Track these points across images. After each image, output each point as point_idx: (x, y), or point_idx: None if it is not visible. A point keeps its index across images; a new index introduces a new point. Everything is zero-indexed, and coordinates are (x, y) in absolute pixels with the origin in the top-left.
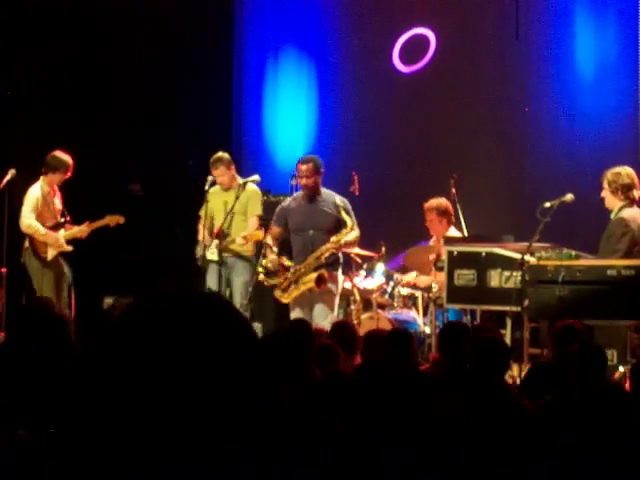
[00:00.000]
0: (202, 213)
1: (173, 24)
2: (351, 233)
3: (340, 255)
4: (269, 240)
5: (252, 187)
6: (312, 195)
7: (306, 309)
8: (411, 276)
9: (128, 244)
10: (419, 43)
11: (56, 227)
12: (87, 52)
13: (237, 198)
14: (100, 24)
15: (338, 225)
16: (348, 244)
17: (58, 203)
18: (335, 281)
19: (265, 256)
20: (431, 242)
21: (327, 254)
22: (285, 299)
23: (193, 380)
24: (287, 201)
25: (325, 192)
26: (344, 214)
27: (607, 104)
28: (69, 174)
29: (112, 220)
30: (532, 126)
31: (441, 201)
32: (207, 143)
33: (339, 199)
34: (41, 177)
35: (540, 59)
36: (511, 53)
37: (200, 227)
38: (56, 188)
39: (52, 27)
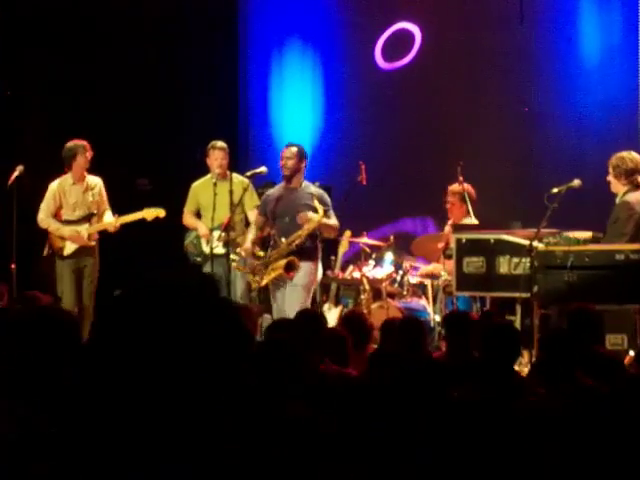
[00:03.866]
0: (190, 208)
1: (178, 18)
2: (332, 219)
3: (317, 245)
4: (252, 228)
5: (241, 178)
6: (290, 179)
7: (278, 296)
8: (429, 267)
9: (136, 238)
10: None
11: (80, 221)
12: (93, 48)
13: (231, 192)
14: (105, 20)
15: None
16: (324, 227)
17: (91, 195)
18: (307, 271)
19: (232, 241)
20: (447, 227)
21: (298, 240)
22: (255, 284)
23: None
24: (271, 190)
25: (305, 183)
26: (316, 202)
27: (612, 88)
28: (89, 154)
29: (150, 214)
30: (538, 112)
31: (466, 187)
32: (214, 136)
33: (315, 189)
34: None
35: (545, 44)
36: (516, 38)
37: (193, 221)
38: (91, 182)
39: (57, 22)
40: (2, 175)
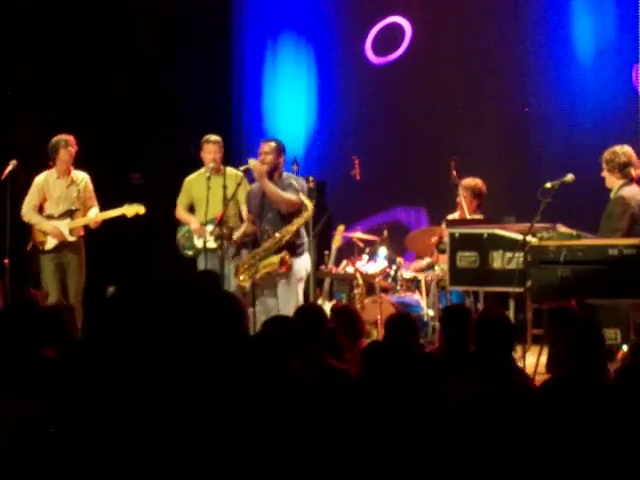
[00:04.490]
0: (184, 202)
1: (171, 11)
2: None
3: (305, 239)
4: (247, 225)
5: (235, 172)
6: (271, 174)
7: (269, 292)
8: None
9: (129, 232)
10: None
11: (62, 216)
12: (87, 43)
13: (225, 187)
14: (99, 14)
15: (298, 207)
16: (275, 195)
17: (75, 190)
18: (297, 267)
19: (224, 235)
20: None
21: (288, 236)
22: (244, 282)
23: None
24: (253, 186)
25: (285, 175)
26: (293, 181)
27: (606, 85)
28: (72, 148)
29: (130, 210)
30: (532, 108)
31: (478, 182)
32: (207, 131)
33: (294, 179)
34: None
35: (539, 41)
36: (510, 35)
37: (186, 215)
38: (76, 177)
39: (52, 18)
40: None
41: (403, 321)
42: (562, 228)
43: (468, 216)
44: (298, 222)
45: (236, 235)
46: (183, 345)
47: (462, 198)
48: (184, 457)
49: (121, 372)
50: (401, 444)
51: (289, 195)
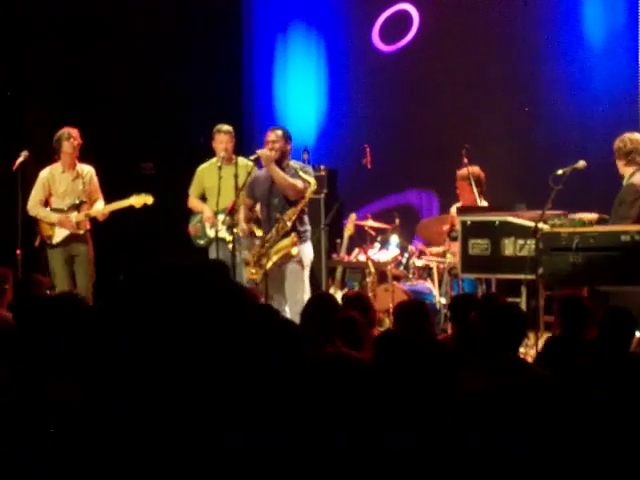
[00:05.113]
0: (196, 191)
1: (182, 3)
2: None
3: (308, 228)
4: (242, 210)
5: (246, 162)
6: (277, 162)
7: (278, 281)
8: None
9: (141, 223)
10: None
11: (69, 209)
12: (97, 34)
13: (236, 176)
14: (108, 4)
15: (303, 193)
16: (282, 181)
17: (81, 183)
18: (302, 254)
19: (236, 225)
20: (452, 208)
21: (293, 217)
22: (257, 275)
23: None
24: (257, 173)
25: (292, 163)
26: (301, 173)
27: (616, 71)
28: (74, 141)
29: (138, 201)
30: (543, 94)
31: (474, 169)
32: (218, 121)
33: (300, 165)
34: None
35: (549, 25)
36: (520, 20)
37: (198, 204)
38: (81, 170)
39: (61, 10)
40: (7, 161)
41: (415, 308)
42: (584, 215)
43: (480, 204)
44: (303, 201)
45: (239, 227)
46: (187, 337)
47: (460, 189)
48: (185, 457)
49: (124, 365)
50: (412, 432)
51: (295, 180)
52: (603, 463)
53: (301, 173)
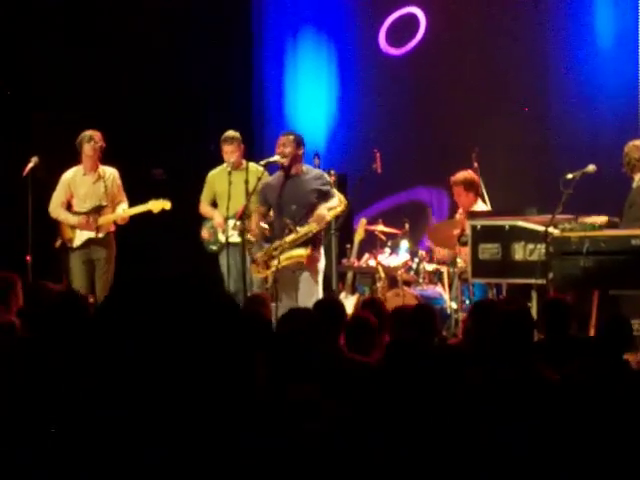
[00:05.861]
0: (206, 197)
1: (192, 7)
2: (332, 201)
3: (322, 233)
4: (254, 217)
5: (256, 167)
6: (289, 167)
7: (289, 288)
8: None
9: (152, 229)
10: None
11: (90, 212)
12: (108, 38)
13: (247, 182)
14: (119, 8)
15: (320, 199)
16: (336, 213)
17: (103, 186)
18: (317, 259)
19: (246, 230)
20: (457, 215)
21: (316, 231)
22: (262, 274)
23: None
24: (269, 179)
25: (306, 167)
26: (322, 186)
27: (627, 72)
28: (96, 144)
29: (156, 206)
30: (553, 96)
31: (466, 174)
32: (229, 127)
33: (319, 172)
34: None
35: (559, 27)
36: (529, 21)
37: (209, 210)
38: (103, 172)
39: (72, 12)
40: (17, 166)
41: (425, 312)
42: (594, 218)
43: (478, 207)
44: (332, 215)
45: (251, 233)
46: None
47: (456, 195)
48: (185, 457)
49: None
50: (421, 435)
51: (332, 205)
52: (599, 463)
53: (333, 190)
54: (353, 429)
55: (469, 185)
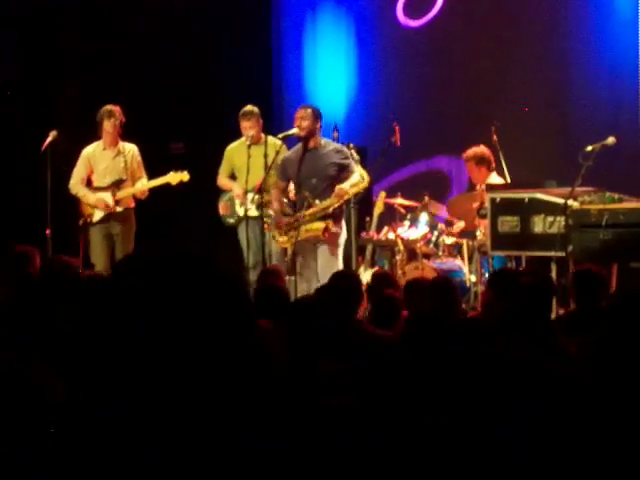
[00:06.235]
0: (225, 170)
1: None
2: (354, 177)
3: (344, 208)
4: (274, 192)
5: (274, 141)
6: (307, 140)
7: (310, 260)
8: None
9: (171, 202)
10: None
11: (109, 187)
12: (127, 13)
13: (266, 155)
14: None
15: (340, 173)
16: (357, 189)
17: (122, 161)
18: (338, 234)
19: (264, 204)
20: (477, 186)
21: (337, 205)
22: (284, 244)
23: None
24: (288, 153)
25: (325, 141)
26: (343, 160)
27: None
28: (116, 119)
29: (175, 178)
30: (573, 69)
31: (477, 150)
32: (248, 101)
33: (337, 145)
34: None
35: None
36: None
37: (228, 182)
38: (123, 148)
39: None
40: (36, 140)
41: (444, 285)
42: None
43: (493, 180)
44: (353, 191)
45: (271, 207)
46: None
47: (469, 172)
48: (185, 457)
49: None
50: (444, 410)
51: (355, 182)
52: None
53: (354, 165)
54: (353, 426)
55: (480, 160)
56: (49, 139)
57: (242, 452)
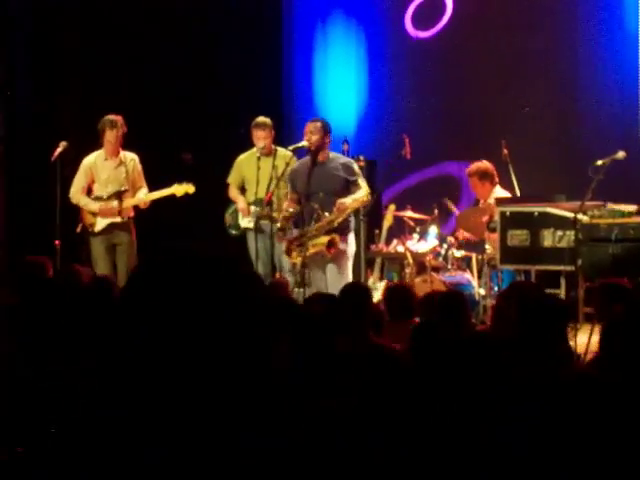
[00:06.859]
0: (235, 181)
1: None
2: (359, 192)
3: (352, 219)
4: (286, 203)
5: (284, 152)
6: (316, 153)
7: (320, 272)
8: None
9: (179, 212)
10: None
11: (111, 197)
12: (134, 22)
13: (274, 167)
14: None
15: (347, 187)
16: (359, 204)
17: (124, 171)
18: (343, 248)
19: (269, 216)
20: (482, 202)
21: (340, 219)
22: (296, 259)
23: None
24: (296, 165)
25: (333, 155)
26: (350, 175)
27: None
28: (118, 130)
29: (180, 190)
30: (584, 81)
31: (480, 165)
32: (258, 111)
33: (346, 160)
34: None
35: (589, 8)
36: (557, 5)
37: (236, 195)
38: (125, 157)
39: None
40: (46, 151)
41: (454, 298)
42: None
43: (497, 194)
44: (354, 206)
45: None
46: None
47: (473, 187)
48: (185, 457)
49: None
50: (451, 421)
51: (359, 196)
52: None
53: (360, 181)
54: (356, 427)
55: (483, 174)
56: (59, 150)
57: (242, 452)
